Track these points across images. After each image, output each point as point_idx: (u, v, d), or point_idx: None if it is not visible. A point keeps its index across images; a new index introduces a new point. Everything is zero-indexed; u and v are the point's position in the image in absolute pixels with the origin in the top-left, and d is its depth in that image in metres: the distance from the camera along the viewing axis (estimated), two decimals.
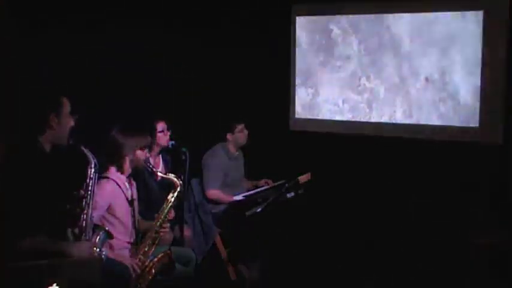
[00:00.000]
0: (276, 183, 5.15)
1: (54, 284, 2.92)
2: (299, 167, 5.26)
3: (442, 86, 5.59)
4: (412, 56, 5.69)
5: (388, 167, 5.74)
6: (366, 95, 5.97)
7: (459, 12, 5.43)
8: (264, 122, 6.02)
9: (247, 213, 4.78)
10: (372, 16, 5.83)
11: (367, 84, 5.94)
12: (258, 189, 5.07)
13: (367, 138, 5.87)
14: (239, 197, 4.93)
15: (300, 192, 5.05)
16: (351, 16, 5.95)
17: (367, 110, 5.97)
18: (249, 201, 4.87)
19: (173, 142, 4.61)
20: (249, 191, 5.12)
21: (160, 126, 4.65)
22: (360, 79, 5.97)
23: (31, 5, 4.45)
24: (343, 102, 6.10)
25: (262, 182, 5.35)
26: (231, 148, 5.22)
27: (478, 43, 5.35)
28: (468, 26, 5.39)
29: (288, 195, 4.97)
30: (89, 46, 4.90)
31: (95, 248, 3.26)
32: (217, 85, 5.95)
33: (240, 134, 5.19)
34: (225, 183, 5.13)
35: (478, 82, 5.39)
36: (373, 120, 5.92)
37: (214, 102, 5.87)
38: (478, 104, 5.42)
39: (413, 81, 5.71)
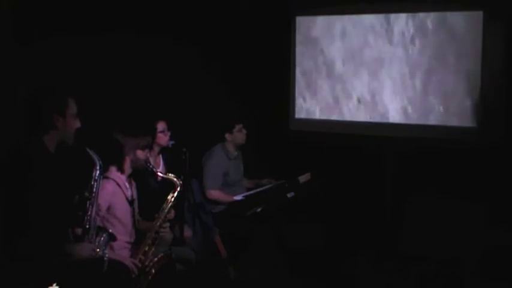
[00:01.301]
0: (276, 183, 5.15)
1: (54, 284, 2.94)
2: (299, 167, 5.26)
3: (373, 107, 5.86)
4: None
5: (389, 167, 5.75)
6: None
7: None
8: (264, 122, 6.03)
9: (247, 213, 4.79)
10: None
11: None
12: (258, 189, 5.07)
13: (367, 138, 5.87)
14: (239, 197, 4.93)
15: (300, 192, 5.06)
16: None
17: None
18: (249, 201, 4.87)
19: (173, 142, 4.62)
20: (249, 190, 5.13)
21: (161, 126, 4.65)
22: None
23: (34, 6, 4.45)
24: None
25: (265, 180, 5.36)
26: (231, 148, 5.22)
27: (404, 66, 5.67)
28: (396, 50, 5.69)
29: (288, 195, 4.98)
30: (89, 47, 4.90)
31: (97, 250, 3.26)
32: (217, 85, 5.96)
33: (238, 134, 5.20)
34: (225, 183, 5.13)
35: (405, 102, 5.69)
36: (370, 120, 5.96)
37: (214, 102, 5.87)
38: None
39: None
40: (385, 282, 4.85)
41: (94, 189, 3.31)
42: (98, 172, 3.31)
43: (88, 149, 3.29)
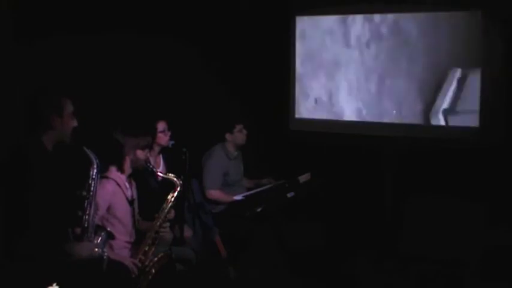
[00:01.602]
0: (276, 183, 5.15)
1: (54, 284, 2.93)
2: (299, 167, 5.26)
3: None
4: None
5: (389, 167, 5.75)
6: None
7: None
8: (264, 122, 6.03)
9: (247, 213, 4.79)
10: None
11: None
12: (258, 189, 5.07)
13: (367, 138, 5.87)
14: (239, 197, 4.93)
15: (300, 192, 5.06)
16: None
17: None
18: (249, 201, 4.87)
19: (173, 142, 4.62)
20: (249, 190, 5.13)
21: (161, 126, 4.65)
22: None
23: (34, 6, 4.45)
24: None
25: (265, 180, 5.36)
26: (231, 148, 5.22)
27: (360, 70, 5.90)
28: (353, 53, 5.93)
29: (288, 195, 4.98)
30: (89, 47, 4.90)
31: (96, 249, 3.26)
32: (217, 85, 5.96)
33: (238, 134, 5.20)
34: (225, 183, 5.13)
35: (360, 104, 5.89)
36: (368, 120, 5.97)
37: (214, 102, 5.87)
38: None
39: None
40: (385, 282, 4.85)
41: (92, 188, 3.31)
42: (95, 171, 3.31)
43: (85, 148, 3.29)
